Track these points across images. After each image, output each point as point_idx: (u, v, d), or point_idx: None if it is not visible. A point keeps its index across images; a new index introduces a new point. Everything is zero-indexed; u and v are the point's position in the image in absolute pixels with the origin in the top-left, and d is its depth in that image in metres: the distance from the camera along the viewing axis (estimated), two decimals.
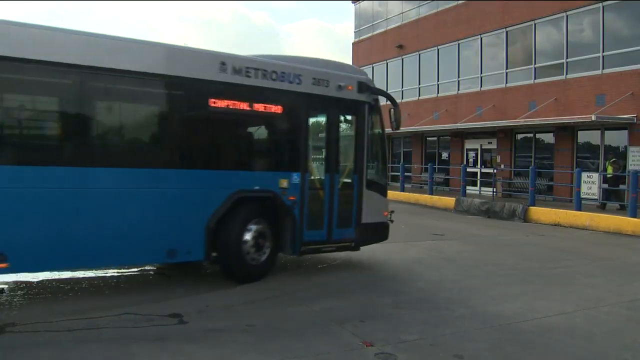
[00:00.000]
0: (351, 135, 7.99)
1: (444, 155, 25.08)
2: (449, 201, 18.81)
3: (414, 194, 21.33)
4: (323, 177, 7.65)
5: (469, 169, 21.29)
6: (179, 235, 6.35)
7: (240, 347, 4.70)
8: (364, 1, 30.86)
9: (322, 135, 7.87)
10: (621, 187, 15.67)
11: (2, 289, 6.31)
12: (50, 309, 5.57)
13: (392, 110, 8.36)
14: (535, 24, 19.81)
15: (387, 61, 28.52)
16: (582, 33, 18.51)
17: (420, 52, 26.02)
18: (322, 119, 7.85)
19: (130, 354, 4.45)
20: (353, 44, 32.05)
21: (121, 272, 7.41)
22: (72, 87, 5.84)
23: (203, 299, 6.15)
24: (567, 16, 18.47)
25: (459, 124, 22.17)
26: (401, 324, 5.46)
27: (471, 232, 13.09)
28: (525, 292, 7.08)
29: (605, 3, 17.13)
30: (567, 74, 18.51)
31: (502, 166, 20.75)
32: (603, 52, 17.25)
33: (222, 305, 5.91)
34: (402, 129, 25.81)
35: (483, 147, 22.59)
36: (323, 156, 7.81)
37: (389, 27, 28.72)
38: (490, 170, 20.61)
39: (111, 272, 7.41)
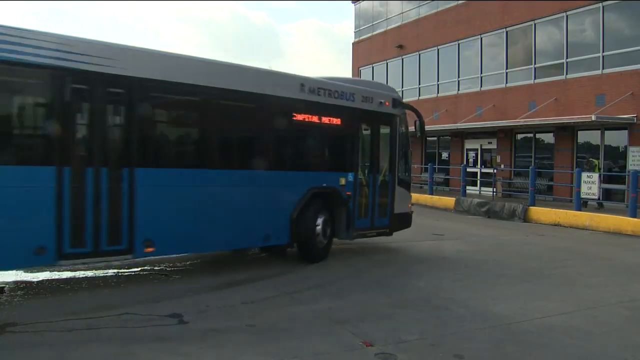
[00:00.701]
0: (387, 142, 9.65)
1: (444, 155, 25.08)
2: (449, 201, 18.81)
3: (414, 194, 21.15)
4: (368, 176, 9.25)
5: (469, 169, 21.29)
6: (273, 223, 7.88)
7: (240, 347, 4.70)
8: (364, 1, 30.86)
9: (367, 141, 9.41)
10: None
11: (2, 288, 6.31)
12: (50, 309, 5.57)
13: (417, 122, 10.35)
14: (535, 24, 19.80)
15: (387, 61, 28.53)
16: (582, 33, 18.51)
17: (420, 52, 26.02)
18: (367, 129, 9.38)
19: (130, 353, 4.45)
20: (353, 44, 32.05)
21: (121, 272, 7.42)
22: (203, 106, 7.22)
23: (203, 299, 6.15)
24: (567, 16, 18.46)
25: (459, 124, 22.16)
26: (401, 324, 5.46)
27: (471, 232, 13.09)
28: (525, 292, 7.08)
29: (605, 3, 17.12)
30: (567, 74, 18.51)
31: (502, 166, 20.74)
32: (603, 52, 17.25)
33: (222, 305, 5.91)
34: None
35: (483, 147, 22.59)
36: (368, 159, 9.37)
37: (389, 27, 28.72)
38: (490, 170, 20.60)
39: (111, 272, 7.42)
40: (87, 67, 6.01)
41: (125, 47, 6.55)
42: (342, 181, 8.74)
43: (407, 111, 10.19)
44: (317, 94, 8.36)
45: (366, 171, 9.25)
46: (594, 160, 16.49)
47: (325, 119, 8.54)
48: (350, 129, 8.98)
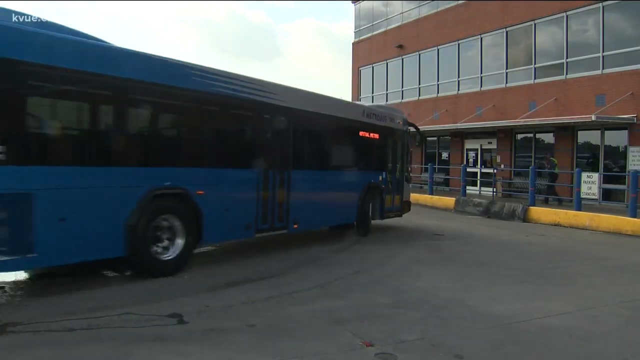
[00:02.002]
0: (400, 149, 13.10)
1: (444, 155, 25.08)
2: (449, 201, 18.81)
3: (414, 194, 21.22)
4: (391, 174, 12.68)
5: (469, 169, 21.29)
6: (349, 208, 11.11)
7: (240, 347, 4.70)
8: (364, 1, 30.87)
9: (390, 149, 12.78)
10: (556, 183, 17.40)
11: (3, 287, 6.31)
12: (50, 309, 5.57)
13: (417, 135, 14.98)
14: (535, 24, 19.81)
15: (387, 61, 28.53)
16: (582, 33, 18.51)
17: (420, 52, 26.02)
18: (390, 140, 12.77)
19: (130, 354, 4.45)
20: (353, 44, 32.06)
21: (121, 272, 7.41)
22: (325, 128, 10.43)
23: (203, 299, 6.15)
24: (567, 16, 18.48)
25: (459, 124, 22.17)
26: (401, 324, 5.46)
27: (471, 232, 13.09)
28: (525, 292, 7.08)
29: (605, 3, 17.13)
30: (567, 74, 18.52)
31: (502, 166, 20.75)
32: (603, 52, 17.26)
33: (222, 305, 5.90)
34: None
35: (483, 147, 22.59)
36: (390, 161, 12.79)
37: (389, 27, 28.72)
38: (490, 170, 20.61)
39: (111, 272, 7.41)
40: (271, 101, 8.77)
41: (287, 87, 9.44)
42: (380, 178, 12.17)
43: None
44: (369, 117, 11.85)
45: (390, 171, 12.65)
46: (554, 159, 17.44)
47: (372, 134, 11.90)
48: (383, 140, 12.36)
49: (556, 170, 17.34)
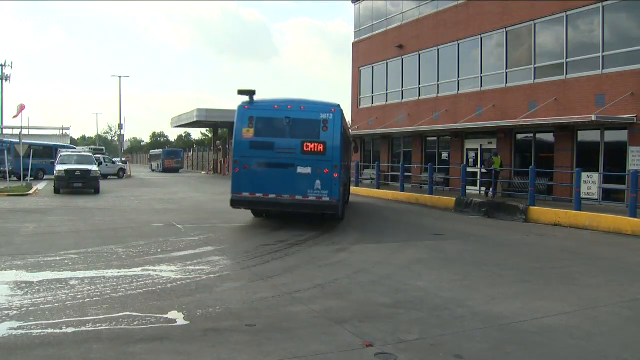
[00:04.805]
0: (350, 152, 20.61)
1: (444, 155, 25.07)
2: (449, 201, 18.81)
3: (414, 194, 21.32)
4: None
5: (469, 169, 21.27)
6: (348, 191, 19.12)
7: (240, 347, 4.70)
8: (364, 1, 30.86)
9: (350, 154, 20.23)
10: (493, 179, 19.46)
11: None
12: (50, 309, 5.57)
13: (357, 142, 24.66)
14: (535, 24, 19.81)
15: (387, 61, 28.53)
16: (582, 33, 18.51)
17: (420, 52, 26.02)
18: (349, 149, 19.52)
19: (130, 353, 4.45)
20: (353, 43, 32.06)
21: (121, 272, 7.42)
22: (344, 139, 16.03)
23: (203, 299, 6.16)
24: (567, 16, 18.47)
25: (459, 124, 22.16)
26: (401, 324, 5.46)
27: (471, 232, 13.09)
28: (525, 292, 7.08)
29: (605, 3, 17.12)
30: (567, 74, 18.51)
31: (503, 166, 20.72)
32: (603, 52, 17.25)
33: (222, 305, 5.91)
34: (402, 129, 25.75)
35: (483, 147, 22.59)
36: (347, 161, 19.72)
37: (389, 27, 28.72)
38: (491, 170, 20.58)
39: (111, 272, 7.42)
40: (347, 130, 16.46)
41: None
42: (353, 169, 21.61)
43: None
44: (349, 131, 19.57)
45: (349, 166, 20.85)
46: (494, 157, 19.24)
47: (349, 144, 17.96)
48: (348, 144, 18.48)
49: (493, 168, 19.24)
